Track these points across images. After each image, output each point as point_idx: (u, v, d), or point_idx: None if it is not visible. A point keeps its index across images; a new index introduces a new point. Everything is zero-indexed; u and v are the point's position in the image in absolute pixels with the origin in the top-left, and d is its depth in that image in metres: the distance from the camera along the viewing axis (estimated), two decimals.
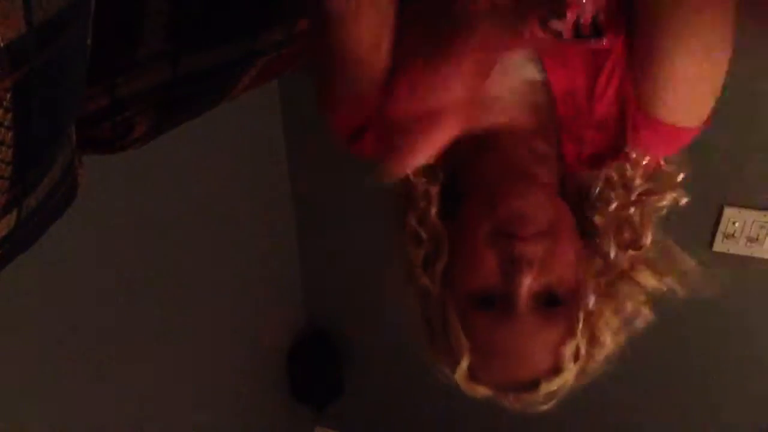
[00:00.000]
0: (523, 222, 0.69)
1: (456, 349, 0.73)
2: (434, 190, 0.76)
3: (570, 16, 0.70)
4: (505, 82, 0.77)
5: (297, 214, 2.31)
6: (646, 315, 0.76)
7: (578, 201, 0.78)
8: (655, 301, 0.76)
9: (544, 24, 0.73)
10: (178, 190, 1.70)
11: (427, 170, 0.76)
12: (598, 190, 0.76)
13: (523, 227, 0.69)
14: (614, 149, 0.76)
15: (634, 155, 0.75)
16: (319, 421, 2.68)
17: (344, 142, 0.82)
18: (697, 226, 1.78)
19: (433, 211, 0.75)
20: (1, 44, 0.45)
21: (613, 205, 0.75)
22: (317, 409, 2.56)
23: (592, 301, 0.72)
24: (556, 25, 0.72)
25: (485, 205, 0.73)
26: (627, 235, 0.75)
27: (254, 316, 2.20)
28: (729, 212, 1.74)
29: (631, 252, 0.75)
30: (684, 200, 0.76)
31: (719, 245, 1.79)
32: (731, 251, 1.79)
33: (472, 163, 0.78)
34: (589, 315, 0.72)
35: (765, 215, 1.73)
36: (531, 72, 0.76)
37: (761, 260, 1.78)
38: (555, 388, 0.74)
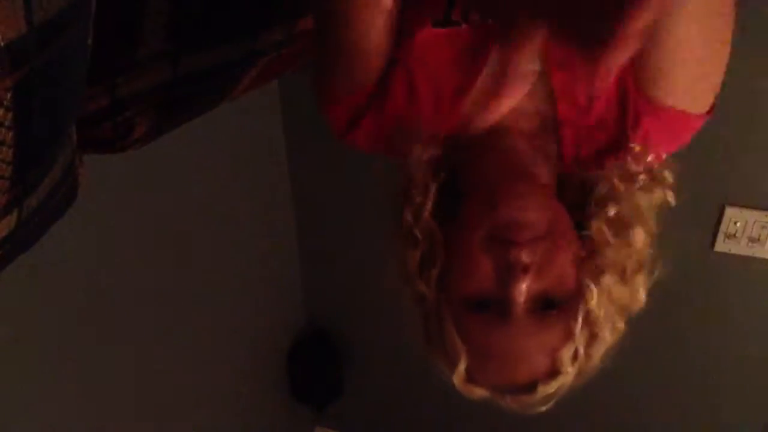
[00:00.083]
0: (519, 228, 0.69)
1: (452, 352, 0.73)
2: (433, 186, 0.75)
3: None
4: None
5: (297, 214, 2.31)
6: (641, 301, 0.75)
7: (578, 200, 0.77)
8: (652, 294, 0.76)
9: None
10: (178, 190, 1.70)
11: (430, 165, 0.76)
12: (598, 189, 0.76)
13: (519, 233, 0.69)
14: (615, 147, 0.76)
15: (636, 149, 0.74)
16: (319, 421, 2.68)
17: (339, 132, 0.82)
18: (698, 226, 1.78)
19: (429, 207, 0.75)
20: (2, 44, 0.45)
21: (612, 206, 0.74)
22: (317, 409, 2.56)
23: (591, 300, 0.72)
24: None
25: (482, 208, 0.72)
26: (623, 231, 0.74)
27: (254, 316, 2.20)
28: (730, 212, 1.74)
29: (626, 247, 0.74)
30: (673, 201, 0.75)
31: (721, 245, 1.79)
32: (733, 251, 1.79)
33: (472, 162, 0.78)
34: (587, 316, 0.72)
35: (766, 215, 1.73)
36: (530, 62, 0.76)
37: (762, 260, 1.78)
38: (553, 390, 0.73)
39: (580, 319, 0.71)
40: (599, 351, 0.74)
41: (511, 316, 0.69)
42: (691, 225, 1.76)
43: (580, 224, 0.75)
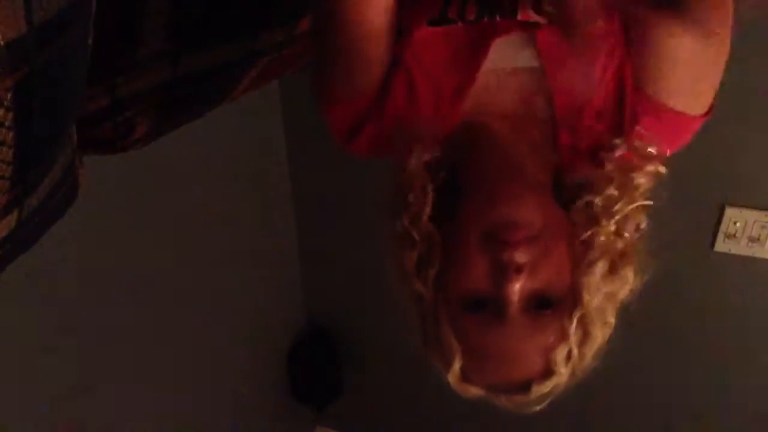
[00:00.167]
0: (514, 227, 0.68)
1: (448, 351, 0.73)
2: (431, 190, 0.75)
3: None
4: (502, 70, 0.77)
5: (297, 214, 2.31)
6: (629, 290, 0.75)
7: (575, 196, 0.77)
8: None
9: (537, 6, 0.73)
10: (178, 190, 1.70)
11: (427, 169, 0.76)
12: (592, 184, 0.75)
13: (514, 232, 0.68)
14: (611, 144, 0.76)
15: (634, 145, 0.74)
16: (319, 421, 2.68)
17: (341, 139, 0.82)
18: (698, 226, 1.78)
19: (427, 211, 0.74)
20: (2, 43, 0.45)
21: (602, 198, 0.74)
22: (317, 409, 2.56)
23: (585, 298, 0.72)
24: (550, 7, 0.71)
25: (478, 207, 0.72)
26: (613, 221, 0.74)
27: (254, 316, 2.20)
28: (730, 212, 1.74)
29: (616, 239, 0.74)
30: (663, 170, 0.74)
31: (720, 245, 1.79)
32: (732, 251, 1.79)
33: (469, 161, 0.78)
34: (581, 315, 0.72)
35: (766, 215, 1.73)
36: (526, 59, 0.76)
37: (762, 260, 1.78)
38: (547, 390, 0.73)
39: (575, 320, 0.71)
40: (592, 349, 0.74)
41: (506, 316, 0.69)
42: (691, 225, 1.76)
43: (578, 219, 0.75)
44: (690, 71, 0.71)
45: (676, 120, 0.73)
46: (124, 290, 1.57)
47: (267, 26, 0.99)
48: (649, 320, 0.79)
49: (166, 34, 0.84)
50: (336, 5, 0.71)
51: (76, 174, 0.76)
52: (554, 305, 0.71)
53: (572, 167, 0.77)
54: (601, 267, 0.72)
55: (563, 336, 0.71)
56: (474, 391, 0.76)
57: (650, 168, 0.74)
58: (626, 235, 0.74)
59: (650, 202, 0.75)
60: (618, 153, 0.74)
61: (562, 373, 0.72)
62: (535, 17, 0.73)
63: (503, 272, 0.68)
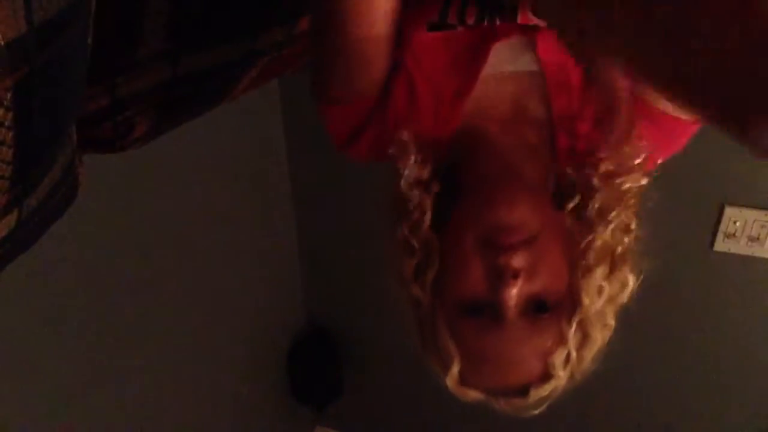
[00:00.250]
0: (510, 230, 0.68)
1: (446, 355, 0.73)
2: (428, 200, 0.75)
3: None
4: (501, 74, 0.76)
5: (297, 214, 2.31)
6: (628, 294, 0.75)
7: (571, 199, 0.77)
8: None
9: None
10: (178, 190, 1.70)
11: (422, 182, 0.75)
12: (589, 186, 0.75)
13: (509, 236, 0.68)
14: (608, 146, 0.76)
15: (629, 149, 0.74)
16: (319, 421, 2.68)
17: (340, 142, 0.82)
18: (698, 226, 1.78)
19: (427, 221, 0.74)
20: (2, 43, 0.45)
21: (600, 200, 0.74)
22: (317, 409, 2.56)
23: (584, 301, 0.72)
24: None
25: (475, 210, 0.72)
26: (610, 224, 0.74)
27: (254, 316, 2.20)
28: (730, 211, 1.74)
29: (614, 240, 0.74)
30: (645, 181, 0.74)
31: (720, 245, 1.79)
32: (732, 251, 1.79)
33: (468, 161, 0.77)
34: (580, 318, 0.72)
35: (766, 214, 1.73)
36: (526, 63, 0.76)
37: (762, 260, 1.78)
38: (545, 393, 0.73)
39: (574, 324, 0.71)
40: (591, 352, 0.74)
41: (503, 320, 0.69)
42: (691, 224, 1.76)
43: (575, 221, 0.75)
44: None
45: (672, 124, 0.73)
46: (123, 290, 1.57)
47: (267, 26, 0.99)
48: (649, 319, 0.79)
49: (166, 34, 0.84)
50: (337, 5, 0.71)
51: (75, 173, 0.76)
52: (552, 309, 0.70)
53: (569, 171, 0.77)
54: (600, 272, 0.72)
55: (562, 339, 0.71)
56: (472, 395, 0.75)
57: (644, 172, 0.74)
58: (625, 240, 0.74)
59: (645, 205, 0.75)
60: (614, 158, 0.74)
61: (561, 377, 0.72)
62: (535, 20, 0.73)
63: (500, 277, 0.68)
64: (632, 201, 0.74)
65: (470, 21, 0.74)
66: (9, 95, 0.48)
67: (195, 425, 1.97)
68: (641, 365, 1.98)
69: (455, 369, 0.72)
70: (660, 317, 1.85)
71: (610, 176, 0.74)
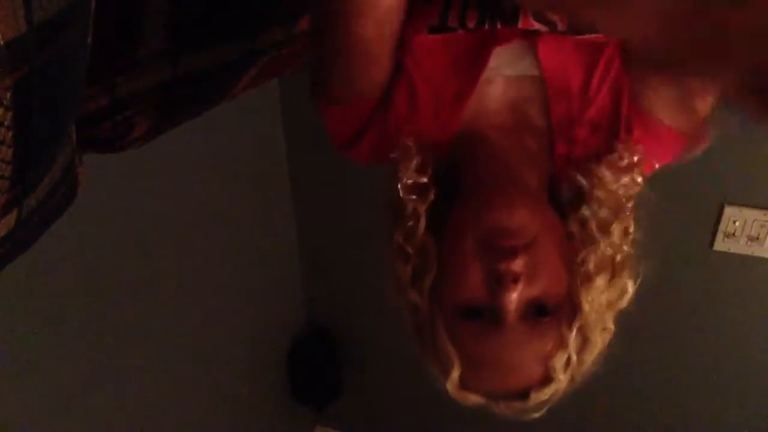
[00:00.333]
0: (507, 234, 0.68)
1: (446, 359, 0.73)
2: (422, 207, 0.74)
3: None
4: (501, 78, 0.76)
5: (297, 214, 2.31)
6: (628, 299, 0.75)
7: (569, 202, 0.77)
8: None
9: (538, 14, 0.72)
10: (178, 190, 1.70)
11: (418, 189, 0.75)
12: (586, 191, 0.75)
13: (507, 239, 0.68)
14: (606, 151, 0.76)
15: (625, 156, 0.74)
16: (319, 421, 2.68)
17: (341, 143, 0.82)
18: (697, 225, 1.78)
19: (421, 227, 0.74)
20: (2, 43, 0.45)
21: (599, 206, 0.74)
22: (317, 409, 2.56)
23: (584, 305, 0.72)
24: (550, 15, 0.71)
25: (472, 214, 0.72)
26: (609, 228, 0.74)
27: (254, 315, 2.20)
28: (729, 211, 1.75)
29: (612, 245, 0.74)
30: (640, 187, 0.75)
31: (720, 244, 1.79)
32: (732, 250, 1.79)
33: (466, 164, 0.77)
34: (580, 322, 0.72)
35: (766, 214, 1.73)
36: (526, 67, 0.76)
37: (762, 259, 1.78)
38: (546, 397, 0.73)
39: (574, 328, 0.71)
40: (592, 355, 0.74)
41: (503, 324, 0.68)
42: (691, 224, 1.76)
43: (573, 224, 0.75)
44: (683, 86, 0.70)
45: (666, 134, 0.74)
46: (123, 290, 1.57)
47: (266, 26, 0.99)
48: (649, 319, 0.79)
49: (166, 33, 0.84)
50: (338, 5, 0.71)
51: (75, 173, 0.76)
52: (552, 312, 0.70)
53: (567, 176, 0.77)
54: (600, 280, 0.72)
55: (562, 343, 0.71)
56: (473, 399, 0.75)
57: (640, 179, 0.74)
58: (624, 247, 0.74)
59: (645, 205, 0.75)
60: (612, 164, 0.74)
61: (561, 380, 0.72)
62: (536, 25, 0.73)
63: (500, 281, 0.68)
64: (630, 206, 0.74)
65: (471, 24, 0.74)
66: (9, 95, 0.48)
67: (195, 425, 1.97)
68: (641, 365, 1.98)
69: (455, 373, 0.72)
70: (659, 317, 1.85)
71: (607, 182, 0.74)
